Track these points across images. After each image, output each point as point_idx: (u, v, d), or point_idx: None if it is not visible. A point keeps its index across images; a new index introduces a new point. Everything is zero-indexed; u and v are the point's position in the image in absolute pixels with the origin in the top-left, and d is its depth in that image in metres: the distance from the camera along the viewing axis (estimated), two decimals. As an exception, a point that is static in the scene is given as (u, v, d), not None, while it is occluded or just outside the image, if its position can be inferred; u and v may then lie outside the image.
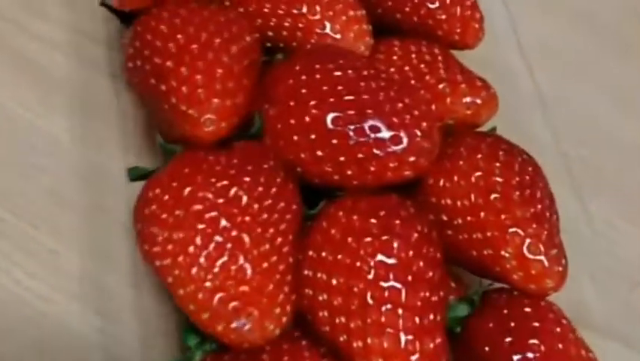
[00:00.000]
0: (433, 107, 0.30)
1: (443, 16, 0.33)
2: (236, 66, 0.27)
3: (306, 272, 0.26)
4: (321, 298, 0.25)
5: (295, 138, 0.27)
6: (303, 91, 0.28)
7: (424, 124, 0.27)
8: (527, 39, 0.41)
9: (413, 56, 0.32)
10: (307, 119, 0.27)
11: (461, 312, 0.27)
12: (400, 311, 0.24)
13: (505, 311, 0.26)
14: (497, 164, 0.27)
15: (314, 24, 0.31)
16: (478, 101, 0.31)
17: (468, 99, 0.31)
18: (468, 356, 0.26)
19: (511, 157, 0.28)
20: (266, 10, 0.31)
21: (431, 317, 0.24)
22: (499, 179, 0.27)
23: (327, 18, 0.31)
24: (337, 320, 0.25)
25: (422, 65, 0.32)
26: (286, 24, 0.31)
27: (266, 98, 0.28)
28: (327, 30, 0.31)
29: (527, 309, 0.26)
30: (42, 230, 0.33)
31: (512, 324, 0.25)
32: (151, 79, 0.27)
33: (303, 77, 0.28)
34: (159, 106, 0.27)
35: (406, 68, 0.32)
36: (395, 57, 0.32)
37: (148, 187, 0.25)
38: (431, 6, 0.33)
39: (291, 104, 0.28)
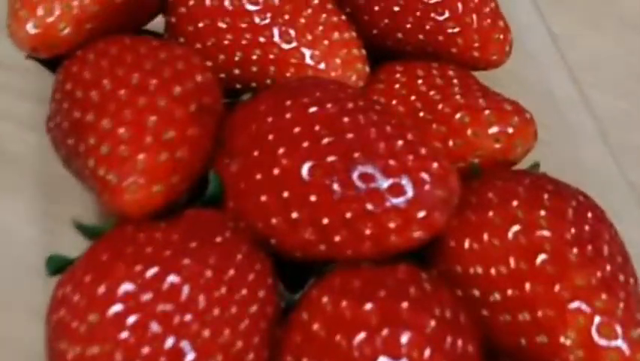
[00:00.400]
0: (450, 143, 0.23)
1: (456, 29, 0.26)
2: (180, 111, 0.21)
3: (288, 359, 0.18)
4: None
5: (263, 198, 0.20)
6: (270, 137, 0.21)
7: (435, 165, 0.20)
8: (571, 54, 0.33)
9: (420, 81, 0.25)
10: (276, 171, 0.20)
11: None
12: None
13: None
14: (542, 212, 0.20)
15: (289, 53, 0.25)
16: (510, 130, 0.23)
17: (495, 129, 0.23)
18: None
19: (561, 201, 0.20)
20: (227, 42, 0.25)
21: None
22: (547, 233, 0.19)
23: (305, 44, 0.25)
24: None
25: (432, 92, 0.25)
26: (254, 57, 0.25)
27: (225, 152, 0.22)
28: (307, 59, 0.25)
29: None
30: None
31: None
32: (69, 139, 0.21)
33: (270, 119, 0.21)
34: (82, 171, 0.21)
35: (412, 97, 0.25)
36: (398, 85, 0.25)
37: (58, 285, 0.19)
38: (439, 18, 0.26)
39: (255, 154, 0.21)
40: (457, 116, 0.24)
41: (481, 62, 0.26)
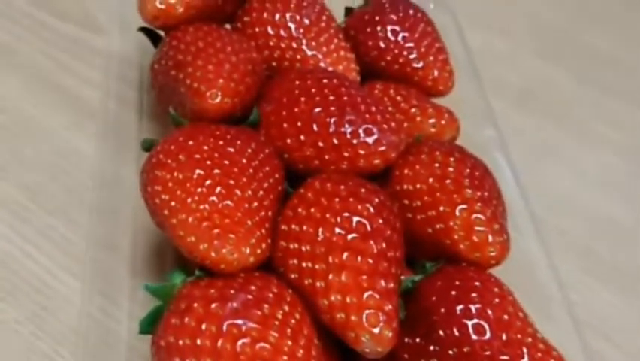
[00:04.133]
0: (405, 124, 0.36)
1: (420, 64, 0.39)
2: (242, 66, 0.34)
3: (282, 227, 0.30)
4: (292, 246, 0.29)
5: (285, 125, 0.33)
6: (296, 92, 0.34)
7: (393, 123, 0.33)
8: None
9: (391, 92, 0.38)
10: (296, 110, 0.33)
11: (416, 277, 0.30)
12: (359, 257, 0.28)
13: (453, 275, 0.30)
14: (452, 159, 0.32)
15: (310, 57, 0.38)
16: (442, 122, 0.36)
17: (433, 120, 0.36)
18: (418, 308, 0.29)
19: (465, 156, 0.33)
20: (272, 43, 0.38)
21: (385, 264, 0.28)
22: (452, 169, 0.32)
23: (321, 53, 0.38)
24: (304, 265, 0.29)
25: (398, 98, 0.38)
26: (287, 55, 0.38)
27: (264, 99, 0.34)
28: (321, 64, 0.38)
29: (471, 273, 0.29)
30: (59, 220, 0.38)
31: (457, 283, 0.29)
32: (172, 71, 0.34)
33: (297, 82, 0.34)
34: (176, 91, 0.33)
35: (385, 99, 0.38)
36: (376, 91, 0.39)
37: (157, 144, 0.31)
38: (410, 56, 0.40)
39: (285, 100, 0.33)
40: (412, 110, 0.37)
41: (432, 89, 0.40)
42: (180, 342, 0.25)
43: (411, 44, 0.39)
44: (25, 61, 0.46)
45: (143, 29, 0.38)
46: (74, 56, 0.47)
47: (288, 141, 0.33)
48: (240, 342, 0.25)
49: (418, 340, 0.29)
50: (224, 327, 0.25)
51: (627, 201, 0.47)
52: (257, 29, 0.38)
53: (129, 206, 0.36)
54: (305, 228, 0.29)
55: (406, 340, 0.29)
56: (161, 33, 0.37)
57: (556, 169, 0.48)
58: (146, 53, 0.43)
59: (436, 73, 0.40)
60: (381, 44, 0.40)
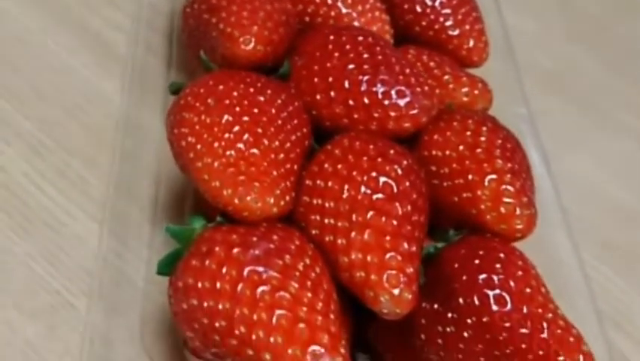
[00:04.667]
0: (437, 91, 0.35)
1: (456, 32, 0.39)
2: (276, 15, 0.33)
3: (307, 182, 0.29)
4: (315, 202, 0.29)
5: (316, 80, 0.32)
6: (330, 47, 0.33)
7: (426, 87, 0.32)
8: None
9: (425, 57, 0.38)
10: (328, 65, 0.32)
11: (439, 244, 0.30)
12: (384, 218, 0.27)
13: (477, 244, 0.29)
14: (484, 128, 0.32)
15: (344, 15, 0.37)
16: (476, 91, 0.35)
17: (466, 89, 0.35)
18: (438, 275, 0.28)
19: (497, 127, 0.32)
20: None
21: (409, 227, 0.28)
22: (484, 138, 0.31)
23: (357, 12, 0.37)
24: (327, 221, 0.28)
25: (432, 64, 0.37)
26: (321, 12, 0.37)
27: (296, 53, 0.34)
28: (355, 23, 0.37)
29: (496, 244, 0.29)
30: (77, 159, 0.37)
31: (481, 252, 0.28)
32: (205, 14, 0.33)
33: (331, 37, 0.33)
34: (208, 36, 0.32)
35: (418, 64, 0.37)
36: (409, 56, 0.38)
37: (186, 87, 0.30)
38: (446, 23, 0.39)
39: (317, 54, 0.33)
40: (445, 77, 0.36)
41: (467, 59, 0.39)
42: (199, 284, 0.25)
43: (448, 11, 0.39)
44: (52, -1, 0.45)
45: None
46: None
47: (318, 96, 0.32)
48: (259, 289, 0.24)
49: (436, 306, 0.28)
50: (245, 273, 0.24)
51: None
52: (293, -15, 0.37)
53: (152, 153, 0.36)
54: (330, 184, 0.28)
55: (424, 305, 0.28)
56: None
57: (582, 157, 0.48)
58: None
59: (471, 42, 0.39)
60: (418, 8, 0.39)
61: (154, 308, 0.31)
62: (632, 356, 0.38)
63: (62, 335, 0.32)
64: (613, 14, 0.59)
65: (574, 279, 0.34)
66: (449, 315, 0.28)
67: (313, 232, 0.28)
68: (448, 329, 0.27)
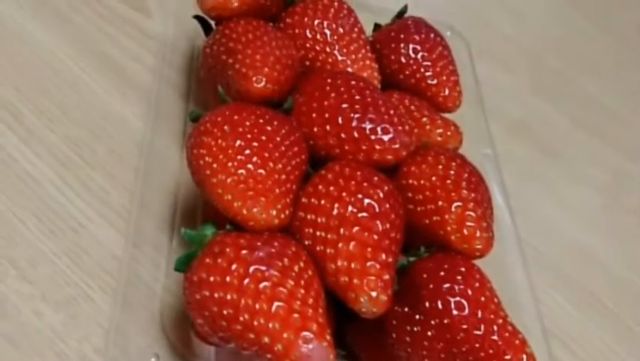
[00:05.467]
0: (416, 130, 0.41)
1: (434, 81, 0.45)
2: (284, 59, 0.39)
3: (303, 200, 0.35)
4: (309, 217, 0.34)
5: (314, 115, 0.38)
6: (327, 88, 0.39)
7: (407, 127, 0.38)
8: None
9: (406, 101, 0.44)
10: (325, 103, 0.38)
11: (411, 258, 0.35)
12: (366, 233, 0.33)
13: (443, 259, 0.35)
14: (454, 163, 0.37)
15: (340, 62, 0.43)
16: (448, 133, 0.42)
17: (441, 130, 0.42)
18: (409, 283, 0.34)
19: (465, 163, 0.38)
20: (308, 45, 0.43)
21: (387, 242, 0.33)
22: (453, 172, 0.37)
23: (350, 60, 0.43)
24: (318, 233, 0.33)
25: (412, 107, 0.43)
26: (320, 58, 0.43)
27: (298, 91, 0.40)
28: (348, 69, 0.43)
29: (459, 260, 0.34)
30: (98, 173, 0.43)
31: (446, 266, 0.34)
32: (222, 55, 0.39)
33: (328, 80, 0.39)
34: (225, 74, 0.38)
35: (400, 106, 0.43)
36: (393, 99, 0.44)
37: (205, 116, 0.36)
38: (426, 73, 0.45)
39: (316, 94, 0.38)
40: (423, 119, 0.42)
41: (442, 105, 0.45)
42: (211, 278, 0.30)
43: (428, 63, 0.45)
44: (78, 30, 0.50)
45: (197, 17, 0.43)
46: (123, 33, 0.52)
47: (315, 129, 0.38)
48: (262, 284, 0.29)
49: (406, 309, 0.33)
50: (251, 270, 0.30)
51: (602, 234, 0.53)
52: (297, 31, 0.43)
53: (169, 173, 0.41)
54: (322, 202, 0.34)
55: (396, 308, 0.34)
56: (211, 23, 0.42)
57: (540, 196, 0.54)
58: (191, 39, 0.48)
59: (447, 91, 0.45)
60: (403, 59, 0.45)
61: (162, 306, 0.36)
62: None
63: (82, 323, 0.36)
64: (577, 71, 0.66)
65: (523, 298, 0.39)
66: (417, 317, 0.33)
67: (306, 242, 0.34)
68: (415, 329, 0.33)
